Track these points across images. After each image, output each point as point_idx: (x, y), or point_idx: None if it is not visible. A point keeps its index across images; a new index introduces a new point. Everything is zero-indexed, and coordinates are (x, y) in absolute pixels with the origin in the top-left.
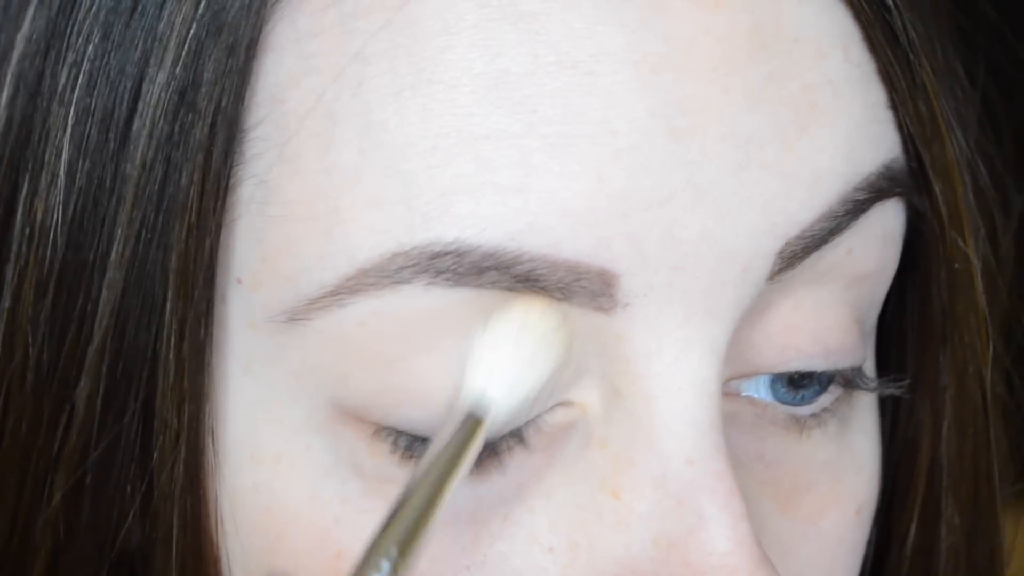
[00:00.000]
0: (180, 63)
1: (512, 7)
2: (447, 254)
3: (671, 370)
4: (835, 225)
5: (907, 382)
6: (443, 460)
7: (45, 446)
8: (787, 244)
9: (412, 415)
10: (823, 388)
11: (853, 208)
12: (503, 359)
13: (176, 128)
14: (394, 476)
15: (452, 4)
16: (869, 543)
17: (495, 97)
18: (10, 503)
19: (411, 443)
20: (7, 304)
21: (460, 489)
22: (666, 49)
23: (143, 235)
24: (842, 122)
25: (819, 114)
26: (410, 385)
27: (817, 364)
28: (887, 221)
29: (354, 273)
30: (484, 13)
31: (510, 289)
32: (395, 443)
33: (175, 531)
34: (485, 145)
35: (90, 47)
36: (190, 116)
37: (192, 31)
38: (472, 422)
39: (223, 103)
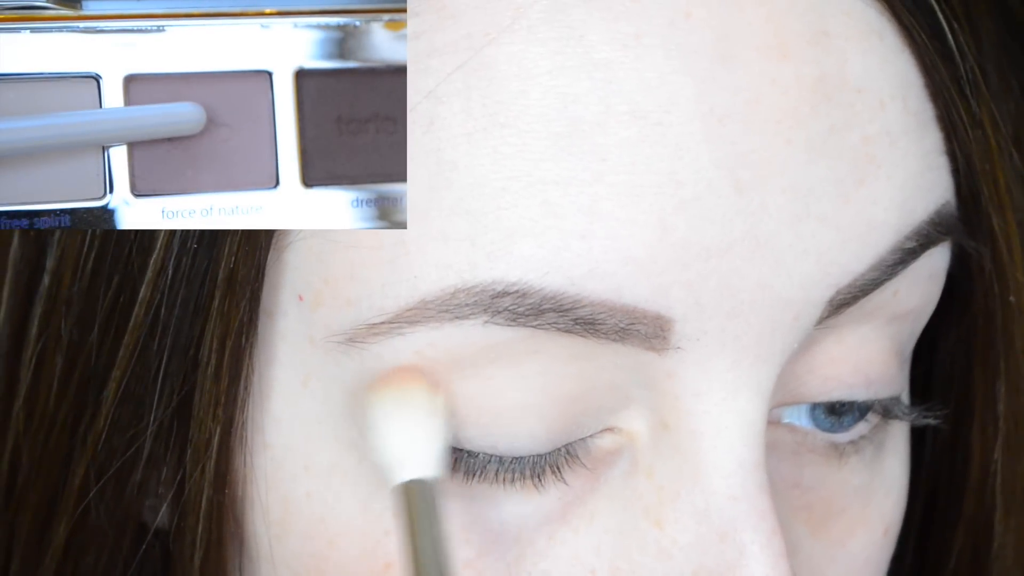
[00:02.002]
0: None
1: (586, 55)
2: (508, 294)
3: (719, 409)
4: (885, 275)
5: (945, 412)
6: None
7: (73, 426)
8: (837, 292)
9: (459, 434)
10: (861, 416)
11: (903, 256)
12: (404, 431)
13: None
14: (444, 490)
15: (527, 50)
16: (905, 565)
17: (566, 144)
18: (35, 479)
19: (460, 458)
20: (45, 283)
21: (506, 507)
22: (733, 100)
23: (189, 244)
24: (897, 173)
25: (876, 166)
26: (458, 407)
27: (858, 394)
28: (934, 262)
29: (415, 304)
30: (558, 60)
31: (567, 331)
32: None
33: (200, 523)
34: (553, 190)
35: None
36: None
37: None
38: (418, 486)
39: None
